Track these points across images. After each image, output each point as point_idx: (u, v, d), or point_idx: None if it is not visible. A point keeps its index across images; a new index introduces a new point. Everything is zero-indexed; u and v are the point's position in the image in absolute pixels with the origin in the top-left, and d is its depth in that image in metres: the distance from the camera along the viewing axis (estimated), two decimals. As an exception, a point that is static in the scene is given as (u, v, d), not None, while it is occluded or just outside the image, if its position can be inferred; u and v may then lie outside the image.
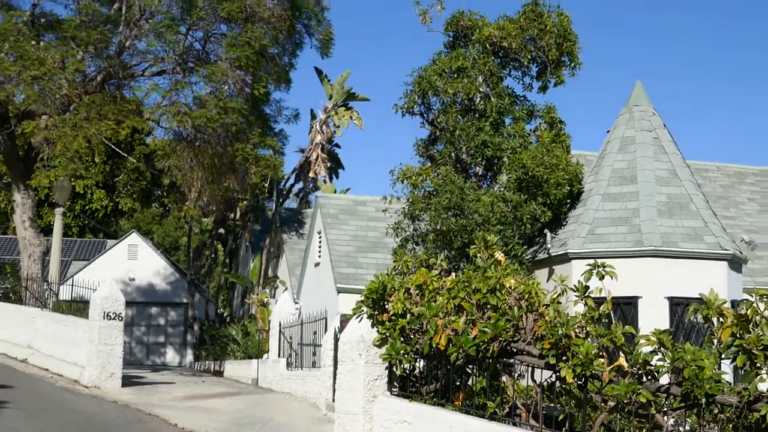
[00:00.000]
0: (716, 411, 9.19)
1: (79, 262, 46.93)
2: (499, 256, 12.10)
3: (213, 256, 55.38)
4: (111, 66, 28.94)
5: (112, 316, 21.05)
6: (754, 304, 8.88)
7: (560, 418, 10.46)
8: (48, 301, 26.11)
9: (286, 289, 36.55)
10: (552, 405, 11.00)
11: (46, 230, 38.74)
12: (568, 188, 23.02)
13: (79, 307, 24.11)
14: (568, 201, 23.65)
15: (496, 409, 10.72)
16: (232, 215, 50.49)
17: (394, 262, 13.19)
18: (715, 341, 9.07)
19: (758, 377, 8.61)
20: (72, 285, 27.24)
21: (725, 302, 9.21)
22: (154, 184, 53.51)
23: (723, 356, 8.97)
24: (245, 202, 47.25)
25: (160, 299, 46.57)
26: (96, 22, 28.25)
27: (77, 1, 28.73)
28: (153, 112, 30.38)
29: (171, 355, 46.42)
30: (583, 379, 9.63)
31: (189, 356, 44.99)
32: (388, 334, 11.81)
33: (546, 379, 10.65)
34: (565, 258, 21.87)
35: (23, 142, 32.43)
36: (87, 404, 17.91)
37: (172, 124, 29.73)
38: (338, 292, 27.87)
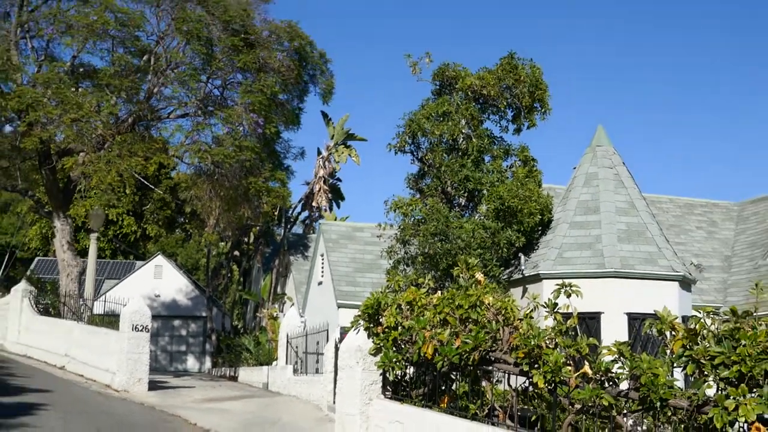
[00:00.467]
0: (669, 413, 9.17)
1: (111, 281, 46.90)
2: (479, 276, 12.11)
3: (229, 275, 55.26)
4: (140, 110, 29.03)
5: (140, 328, 21.02)
6: (702, 320, 8.91)
7: (533, 418, 10.45)
8: (83, 315, 26.05)
9: (293, 304, 36.42)
10: (526, 407, 10.98)
11: (83, 253, 38.73)
12: (540, 217, 23.03)
13: (110, 320, 24.05)
14: (540, 228, 23.64)
15: (477, 411, 10.70)
16: (246, 239, 50.44)
17: (387, 281, 13.22)
18: (668, 352, 9.09)
19: (706, 384, 8.62)
20: (104, 301, 27.27)
21: (676, 318, 9.25)
22: (177, 212, 53.56)
23: (675, 365, 8.98)
24: (257, 228, 47.21)
25: (182, 313, 46.42)
26: (128, 71, 28.35)
27: (112, 53, 28.85)
28: (177, 149, 30.54)
29: (191, 363, 46.19)
30: (553, 384, 9.62)
31: (207, 363, 44.74)
32: (382, 345, 11.80)
33: (520, 384, 10.64)
34: (537, 278, 21.83)
35: (63, 176, 32.50)
36: (117, 406, 17.83)
37: (193, 160, 29.94)
38: (338, 307, 27.79)
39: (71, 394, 18.90)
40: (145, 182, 34.46)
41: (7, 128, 29.73)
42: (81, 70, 29.79)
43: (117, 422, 15.56)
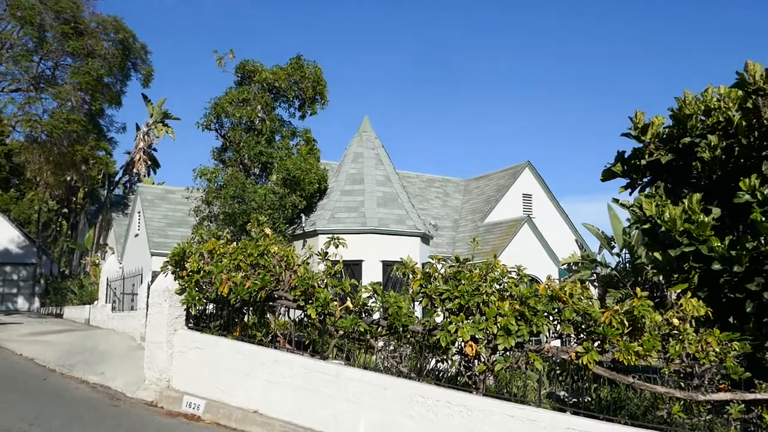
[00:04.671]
0: (409, 336, 9.48)
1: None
2: (268, 231, 11.92)
3: (58, 228, 51.27)
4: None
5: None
6: (434, 265, 9.24)
7: (306, 342, 10.47)
8: None
9: (114, 253, 34.40)
10: (301, 334, 11.00)
11: None
12: (318, 186, 23.11)
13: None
14: (318, 194, 23.73)
15: (263, 338, 10.59)
16: (74, 198, 46.93)
17: (192, 234, 12.71)
18: (410, 290, 9.35)
19: (435, 313, 8.96)
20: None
21: (416, 264, 9.52)
22: (12, 173, 48.85)
23: (414, 300, 9.27)
24: (85, 189, 44.13)
25: (14, 260, 42.46)
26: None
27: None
28: (10, 119, 27.84)
29: (21, 303, 42.47)
30: (323, 316, 9.67)
31: (36, 303, 41.37)
32: (186, 285, 11.38)
33: (298, 316, 10.63)
34: (314, 234, 21.93)
35: None
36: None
37: (25, 129, 27.43)
38: (152, 255, 26.55)
39: None
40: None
41: None
42: None
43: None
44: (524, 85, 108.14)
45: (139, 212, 30.39)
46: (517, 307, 8.31)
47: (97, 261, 36.38)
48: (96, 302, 26.18)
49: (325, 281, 10.05)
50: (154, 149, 49.12)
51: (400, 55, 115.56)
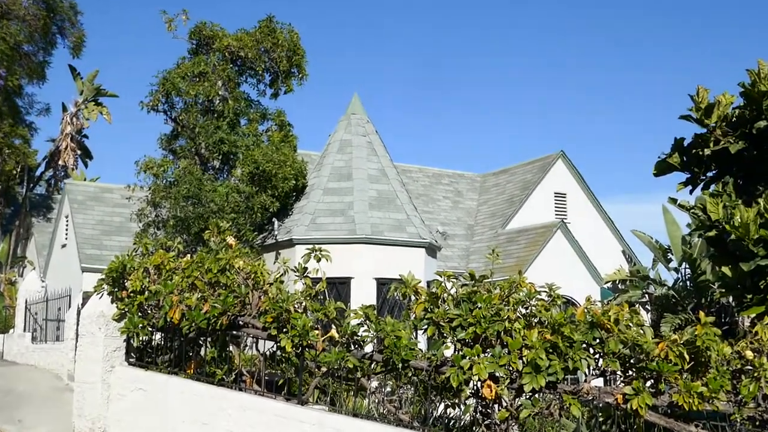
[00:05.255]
0: (410, 374, 9.43)
1: None
2: (231, 240, 11.90)
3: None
4: None
5: None
6: (443, 284, 9.20)
7: (280, 382, 10.44)
8: None
9: (34, 268, 34.39)
10: (274, 371, 10.96)
11: None
12: (294, 182, 23.12)
13: None
14: (294, 194, 23.73)
15: (224, 376, 10.56)
16: (-18, 200, 46.89)
17: (134, 244, 12.69)
18: (412, 315, 9.30)
19: (444, 345, 8.91)
20: None
21: (420, 282, 9.48)
22: None
23: (417, 327, 9.22)
24: (-4, 188, 44.06)
25: None
26: None
27: None
28: None
29: None
30: (301, 348, 9.62)
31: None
32: (126, 310, 11.36)
33: (269, 349, 10.60)
34: (290, 243, 21.92)
35: None
36: None
37: None
38: (83, 272, 26.54)
39: None
40: None
41: None
42: None
43: None
44: (552, 63, 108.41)
45: (66, 216, 30.37)
46: (549, 336, 8.29)
47: (13, 278, 36.37)
48: (12, 331, 26.15)
49: (304, 304, 10.02)
50: (85, 135, 49.13)
51: (400, 20, 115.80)
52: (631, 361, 8.51)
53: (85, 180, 45.21)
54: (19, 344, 23.43)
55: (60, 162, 45.14)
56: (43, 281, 29.76)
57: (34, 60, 34.19)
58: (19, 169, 42.43)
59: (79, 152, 46.76)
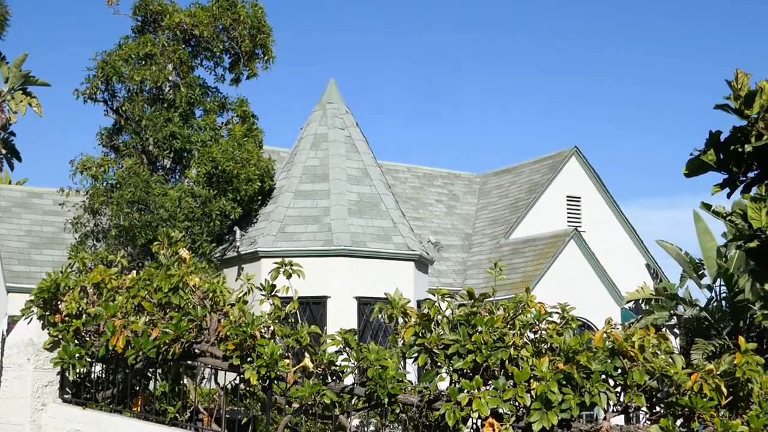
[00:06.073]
0: (398, 410, 9.42)
1: None
2: (184, 253, 11.84)
3: None
4: None
5: None
6: (436, 304, 9.18)
7: (243, 421, 10.42)
8: None
9: (-50, 288, 34.18)
10: (236, 408, 10.93)
11: None
12: (260, 184, 23.08)
13: None
14: (260, 198, 23.71)
15: (177, 414, 10.51)
16: None
17: (69, 259, 12.62)
18: (400, 341, 9.27)
19: (438, 376, 8.88)
20: None
21: (409, 302, 9.46)
22: None
23: (406, 355, 9.20)
24: None
25: None
26: None
27: None
28: None
29: None
30: (268, 380, 9.58)
31: None
32: (60, 337, 11.26)
33: (231, 382, 10.55)
34: (255, 256, 21.88)
35: None
36: None
37: None
38: (8, 292, 26.32)
39: None
40: None
41: None
42: None
43: None
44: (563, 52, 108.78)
45: (-12, 226, 30.18)
46: (561, 366, 8.29)
47: (-76, 299, 36.08)
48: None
49: (272, 329, 9.99)
50: (11, 132, 48.96)
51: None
52: (659, 395, 8.52)
53: (10, 183, 45.03)
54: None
55: (-20, 162, 45.00)
56: (-40, 303, 29.57)
57: (-52, 41, 34.16)
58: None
59: (3, 151, 46.58)
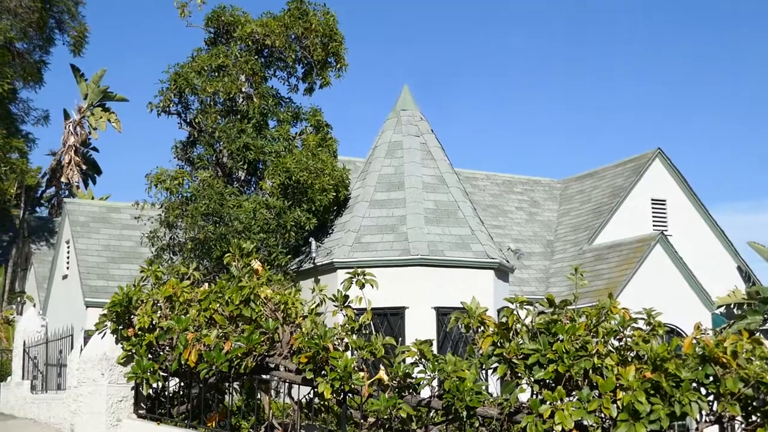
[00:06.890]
0: (477, 424, 9.27)
1: None
2: (256, 264, 11.80)
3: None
4: None
5: None
6: (515, 312, 9.01)
7: (319, 436, 10.31)
8: None
9: (35, 304, 34.83)
10: (311, 423, 10.84)
11: None
12: (334, 194, 23.04)
13: None
14: (335, 208, 23.69)
15: (251, 429, 10.47)
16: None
17: (142, 272, 12.64)
18: (478, 351, 9.17)
19: (518, 387, 8.78)
20: None
21: (487, 310, 9.32)
22: None
23: (484, 366, 9.07)
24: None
25: None
26: None
27: None
28: None
29: None
30: (342, 394, 9.52)
31: None
32: (133, 351, 11.36)
33: (305, 396, 10.51)
34: (330, 268, 21.79)
35: None
36: None
37: None
38: (87, 307, 26.74)
39: None
40: None
41: None
42: None
43: None
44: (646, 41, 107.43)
45: (67, 242, 30.72)
46: (649, 374, 8.13)
47: (11, 316, 36.84)
48: (9, 378, 26.36)
49: (345, 341, 9.90)
50: (93, 148, 49.96)
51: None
52: (755, 403, 8.27)
53: (93, 199, 45.78)
54: (17, 394, 23.59)
55: (63, 179, 45.83)
56: (43, 319, 30.03)
57: (28, 59, 34.79)
58: (16, 189, 43.10)
59: (84, 167, 47.41)
